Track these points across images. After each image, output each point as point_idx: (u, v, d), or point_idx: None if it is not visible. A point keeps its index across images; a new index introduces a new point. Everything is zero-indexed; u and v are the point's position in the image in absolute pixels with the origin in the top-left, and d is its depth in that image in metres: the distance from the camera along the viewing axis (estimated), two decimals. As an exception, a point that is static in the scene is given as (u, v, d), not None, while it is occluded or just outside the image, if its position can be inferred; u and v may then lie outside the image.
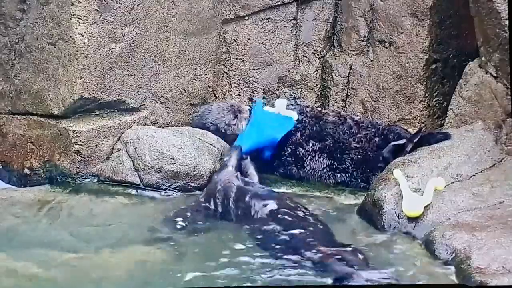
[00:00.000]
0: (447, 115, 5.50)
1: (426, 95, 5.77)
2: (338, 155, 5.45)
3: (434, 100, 5.79)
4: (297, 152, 5.50)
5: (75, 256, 4.40)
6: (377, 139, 5.44)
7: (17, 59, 5.55)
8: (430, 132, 5.38)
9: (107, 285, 4.10)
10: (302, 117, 5.58)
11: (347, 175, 5.43)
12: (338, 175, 5.45)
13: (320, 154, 5.47)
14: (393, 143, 5.35)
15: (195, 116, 5.75)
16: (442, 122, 5.65)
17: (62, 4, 5.26)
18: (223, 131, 5.58)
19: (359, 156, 5.43)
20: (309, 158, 5.48)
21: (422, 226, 4.58)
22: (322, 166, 5.46)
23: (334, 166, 5.45)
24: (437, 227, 4.49)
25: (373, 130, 5.48)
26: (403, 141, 5.28)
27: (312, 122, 5.54)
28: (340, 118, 5.56)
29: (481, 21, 5.14)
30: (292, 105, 5.82)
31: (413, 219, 4.62)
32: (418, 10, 5.69)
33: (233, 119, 5.61)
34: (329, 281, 4.02)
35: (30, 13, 5.43)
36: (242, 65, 5.97)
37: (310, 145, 5.49)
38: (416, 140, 5.18)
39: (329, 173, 5.46)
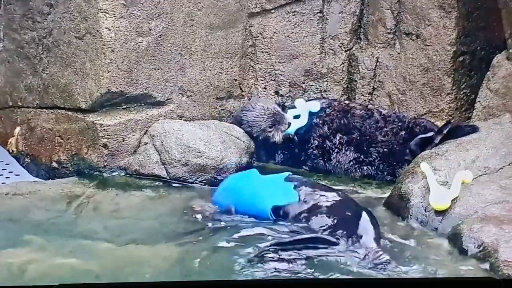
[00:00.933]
0: (475, 107, 5.46)
1: (454, 87, 5.73)
2: (365, 148, 5.43)
3: (462, 92, 5.75)
4: (324, 145, 5.50)
5: (103, 249, 4.43)
6: (403, 132, 5.42)
7: (44, 53, 5.59)
8: (457, 125, 5.34)
9: (133, 278, 4.12)
10: (330, 110, 5.57)
11: (373, 168, 5.42)
12: (365, 167, 5.43)
13: (347, 147, 5.46)
14: (420, 136, 5.33)
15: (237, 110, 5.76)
16: (469, 115, 5.61)
17: (89, -1, 5.30)
18: (255, 135, 5.55)
19: (385, 149, 5.41)
20: (335, 151, 5.48)
21: (449, 220, 4.55)
22: (349, 159, 5.45)
23: (361, 159, 5.44)
24: (464, 220, 4.46)
25: (399, 124, 5.45)
26: (430, 134, 5.25)
27: (339, 115, 5.53)
28: (367, 112, 5.54)
29: (509, 13, 5.09)
30: (319, 98, 5.81)
31: (440, 213, 4.59)
32: (445, 2, 5.64)
33: (270, 128, 5.56)
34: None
35: (57, 7, 5.47)
36: (268, 59, 5.96)
37: (337, 138, 5.48)
38: (445, 131, 5.14)
39: (356, 166, 5.44)
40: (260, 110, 5.58)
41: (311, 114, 5.58)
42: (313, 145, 5.52)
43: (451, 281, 3.89)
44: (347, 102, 5.73)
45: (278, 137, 5.53)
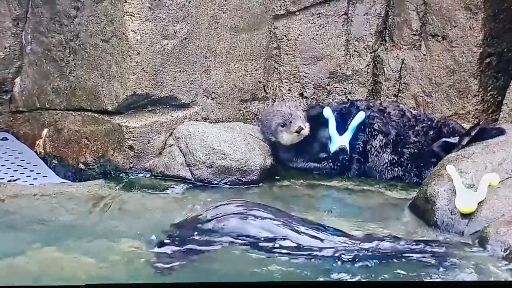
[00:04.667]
0: (502, 109, 5.42)
1: (480, 89, 5.69)
2: (399, 149, 5.39)
3: (488, 94, 5.71)
4: (366, 148, 5.44)
5: (129, 250, 4.46)
6: (431, 132, 5.39)
7: (71, 56, 5.64)
8: (484, 127, 5.29)
9: (159, 279, 4.14)
10: (369, 112, 5.51)
11: (402, 169, 5.38)
12: (396, 169, 5.40)
13: (384, 149, 5.41)
14: (444, 139, 5.29)
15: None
16: (496, 117, 5.56)
17: (115, 2, 5.33)
18: (268, 137, 5.50)
19: (415, 150, 5.38)
20: (374, 153, 5.43)
21: (475, 223, 4.52)
22: (384, 161, 5.41)
23: (394, 161, 5.39)
24: (491, 224, 4.43)
25: (429, 122, 5.42)
26: (455, 139, 5.20)
27: (378, 116, 5.47)
28: (400, 112, 5.50)
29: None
30: (351, 102, 5.73)
31: (467, 215, 4.56)
32: (472, 3, 5.61)
33: (282, 127, 5.43)
34: None
35: (84, 10, 5.52)
36: (292, 61, 5.97)
37: (378, 140, 5.43)
38: (474, 133, 5.09)
39: (389, 167, 5.40)
40: (274, 111, 5.54)
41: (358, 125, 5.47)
42: (354, 150, 5.45)
43: (476, 285, 3.86)
44: (379, 102, 5.68)
45: (286, 138, 5.44)
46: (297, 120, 5.42)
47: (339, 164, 5.44)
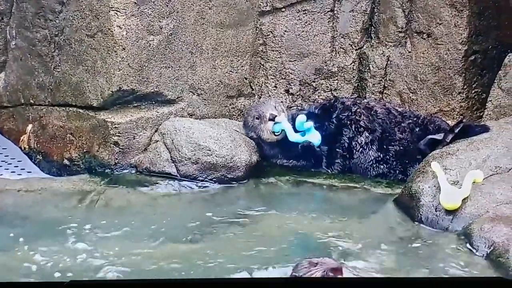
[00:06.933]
0: (486, 107, 5.44)
1: (465, 86, 5.71)
2: (385, 146, 5.40)
3: (473, 91, 5.73)
4: (352, 144, 5.45)
5: (113, 245, 4.45)
6: (417, 129, 5.40)
7: (56, 51, 5.62)
8: (468, 124, 5.31)
9: (146, 276, 4.14)
10: (356, 108, 5.52)
11: (387, 166, 5.40)
12: (381, 166, 5.41)
13: (370, 146, 5.42)
14: (430, 136, 5.31)
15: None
16: (481, 114, 5.59)
17: (100, -3, 5.32)
18: (249, 135, 5.49)
19: (400, 147, 5.39)
20: (359, 150, 5.44)
21: (460, 219, 4.54)
22: (370, 158, 5.42)
23: (380, 158, 5.41)
24: (475, 220, 4.46)
25: (415, 119, 5.44)
26: (440, 136, 5.23)
27: (364, 113, 5.48)
28: (386, 110, 5.52)
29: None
30: (336, 98, 5.75)
31: (451, 212, 4.59)
32: (457, 0, 5.63)
33: (257, 119, 5.44)
34: None
35: (69, 5, 5.49)
36: (278, 57, 5.96)
37: (363, 137, 5.44)
38: (457, 130, 5.12)
39: (374, 164, 5.41)
40: (249, 108, 5.56)
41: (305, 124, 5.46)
42: (341, 146, 5.46)
43: (460, 281, 3.88)
44: (366, 100, 5.68)
45: (265, 130, 5.41)
46: (269, 108, 5.42)
47: (313, 160, 5.46)
